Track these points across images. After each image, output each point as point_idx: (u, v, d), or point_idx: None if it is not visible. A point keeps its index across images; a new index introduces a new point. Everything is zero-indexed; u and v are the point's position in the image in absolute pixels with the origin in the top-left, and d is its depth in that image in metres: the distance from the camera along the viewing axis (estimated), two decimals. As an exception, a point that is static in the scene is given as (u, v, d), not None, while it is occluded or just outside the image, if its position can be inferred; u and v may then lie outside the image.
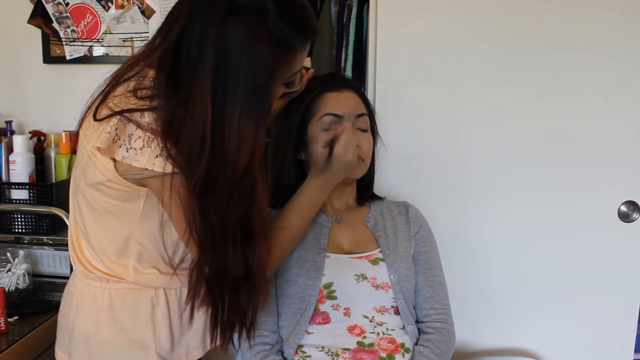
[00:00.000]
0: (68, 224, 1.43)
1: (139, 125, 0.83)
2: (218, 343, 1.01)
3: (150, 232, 0.95)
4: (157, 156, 0.83)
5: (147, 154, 0.83)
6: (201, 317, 1.02)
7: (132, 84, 0.87)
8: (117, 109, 0.84)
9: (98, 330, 0.98)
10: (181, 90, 0.82)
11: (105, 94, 0.88)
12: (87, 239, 0.99)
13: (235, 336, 1.01)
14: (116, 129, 0.84)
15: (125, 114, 0.83)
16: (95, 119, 0.86)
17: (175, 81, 0.83)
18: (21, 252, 1.52)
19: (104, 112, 0.85)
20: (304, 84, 1.19)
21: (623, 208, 1.56)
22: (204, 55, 0.80)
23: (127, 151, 0.84)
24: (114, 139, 0.84)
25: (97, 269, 0.99)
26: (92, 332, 0.99)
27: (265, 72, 0.83)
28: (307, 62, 1.30)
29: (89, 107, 0.91)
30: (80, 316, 1.00)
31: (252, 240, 0.89)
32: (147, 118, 0.83)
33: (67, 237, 1.48)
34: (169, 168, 0.84)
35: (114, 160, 0.85)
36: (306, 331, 1.15)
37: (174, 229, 0.94)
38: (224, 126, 0.81)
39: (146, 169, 0.84)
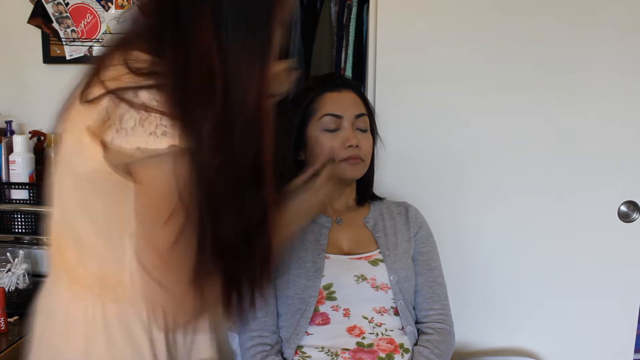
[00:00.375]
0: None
1: (131, 105, 0.75)
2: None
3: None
4: (150, 133, 0.75)
5: (138, 133, 0.75)
6: (205, 327, 0.95)
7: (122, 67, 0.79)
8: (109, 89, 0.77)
9: (89, 352, 0.87)
10: (180, 34, 0.77)
11: (92, 76, 0.81)
12: (80, 239, 0.89)
13: (236, 342, 0.97)
14: (106, 108, 0.76)
15: (118, 93, 0.75)
16: (85, 101, 0.79)
17: (172, 28, 0.78)
18: (21, 252, 1.52)
19: (94, 92, 0.79)
20: (290, 84, 1.17)
21: (623, 208, 1.56)
22: None
23: (117, 132, 0.75)
24: (103, 119, 0.76)
25: (89, 273, 0.88)
26: (82, 356, 0.86)
27: (264, 8, 0.80)
28: (288, 64, 1.28)
29: (68, 102, 0.86)
30: (67, 334, 0.88)
31: (263, 185, 0.82)
32: (143, 97, 0.75)
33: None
34: (163, 144, 0.75)
35: (104, 145, 0.77)
36: (306, 332, 1.15)
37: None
38: (228, 65, 0.76)
39: (138, 147, 0.75)
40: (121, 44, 0.83)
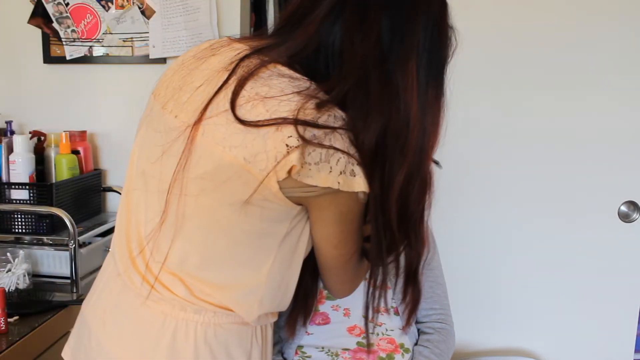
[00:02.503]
0: (71, 226, 1.44)
1: (323, 145, 0.69)
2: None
3: (284, 259, 0.80)
4: (341, 172, 0.69)
5: (325, 170, 0.69)
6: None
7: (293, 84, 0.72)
8: (287, 116, 0.69)
9: None
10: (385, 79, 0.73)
11: (240, 85, 0.72)
12: (207, 265, 0.79)
13: None
14: (287, 142, 0.68)
15: (302, 125, 0.68)
16: (246, 123, 0.70)
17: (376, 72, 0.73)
18: (21, 252, 1.52)
19: (260, 113, 0.70)
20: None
21: (623, 208, 1.56)
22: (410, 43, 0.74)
23: (302, 166, 0.68)
24: (300, 154, 0.68)
25: (210, 297, 0.80)
26: None
27: (446, 53, 0.83)
28: None
29: (210, 100, 0.75)
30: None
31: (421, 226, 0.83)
32: (336, 137, 0.70)
33: (67, 237, 1.49)
34: (356, 186, 0.71)
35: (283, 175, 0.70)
36: (306, 332, 1.15)
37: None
38: (426, 117, 0.75)
39: (327, 187, 0.70)
40: (278, 58, 0.75)
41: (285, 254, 0.79)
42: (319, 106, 0.70)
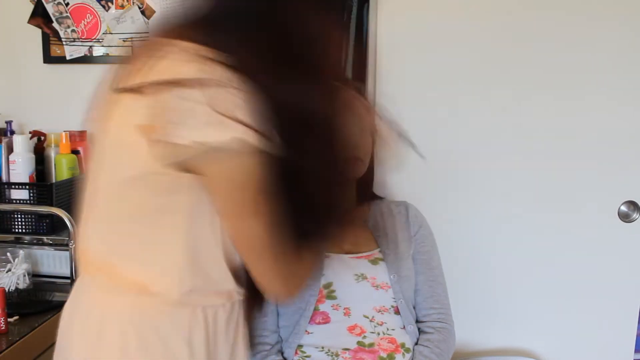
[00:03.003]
0: (71, 226, 1.44)
1: (184, 98, 0.67)
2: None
3: (197, 234, 0.78)
4: (209, 125, 0.66)
5: (195, 125, 0.67)
6: (232, 335, 0.87)
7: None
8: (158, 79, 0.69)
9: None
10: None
11: (134, 67, 0.73)
12: (118, 247, 0.81)
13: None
14: (157, 102, 0.68)
15: (169, 84, 0.67)
16: (130, 90, 0.71)
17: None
18: (21, 252, 1.52)
19: (139, 81, 0.70)
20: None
21: (623, 208, 1.56)
22: None
23: (174, 128, 0.67)
24: (154, 114, 0.68)
25: (128, 279, 0.79)
26: None
27: None
28: None
29: (102, 99, 0.79)
30: (100, 342, 0.80)
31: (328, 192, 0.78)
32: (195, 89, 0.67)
33: (67, 237, 1.49)
34: (226, 135, 0.66)
35: (154, 141, 0.70)
36: (306, 331, 1.15)
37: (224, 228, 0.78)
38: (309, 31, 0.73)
39: (195, 141, 0.67)
40: (167, 33, 0.75)
41: (197, 229, 0.77)
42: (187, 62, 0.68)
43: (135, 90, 0.70)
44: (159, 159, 0.71)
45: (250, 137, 0.67)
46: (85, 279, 0.85)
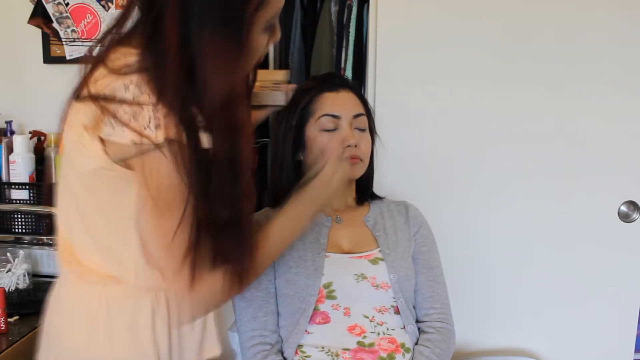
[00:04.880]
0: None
1: (124, 101, 0.77)
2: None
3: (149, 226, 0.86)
4: (145, 127, 0.76)
5: (132, 128, 0.77)
6: (199, 322, 0.96)
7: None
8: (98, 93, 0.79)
9: (91, 343, 0.89)
10: (154, 27, 0.80)
11: (87, 74, 0.83)
12: (83, 237, 0.90)
13: (236, 342, 0.98)
14: (100, 105, 0.78)
15: (106, 93, 0.78)
16: (77, 98, 0.82)
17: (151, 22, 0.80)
18: (21, 252, 1.52)
19: (85, 90, 0.81)
20: (289, 98, 1.23)
21: (623, 208, 1.56)
22: None
23: (114, 128, 0.77)
24: (98, 116, 0.78)
25: (94, 268, 0.89)
26: (84, 346, 0.89)
27: (237, 4, 0.81)
28: (283, 75, 1.32)
29: (68, 102, 0.87)
30: (72, 326, 0.90)
31: (238, 182, 0.84)
32: (133, 92, 0.77)
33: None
34: (158, 137, 0.76)
35: (102, 140, 0.79)
36: (306, 331, 1.15)
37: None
38: (196, 52, 0.78)
39: (134, 142, 0.77)
40: (115, 42, 0.85)
41: (147, 222, 0.84)
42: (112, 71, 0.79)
43: (81, 99, 0.81)
44: (107, 155, 0.80)
45: (163, 141, 0.77)
46: (63, 270, 0.95)
